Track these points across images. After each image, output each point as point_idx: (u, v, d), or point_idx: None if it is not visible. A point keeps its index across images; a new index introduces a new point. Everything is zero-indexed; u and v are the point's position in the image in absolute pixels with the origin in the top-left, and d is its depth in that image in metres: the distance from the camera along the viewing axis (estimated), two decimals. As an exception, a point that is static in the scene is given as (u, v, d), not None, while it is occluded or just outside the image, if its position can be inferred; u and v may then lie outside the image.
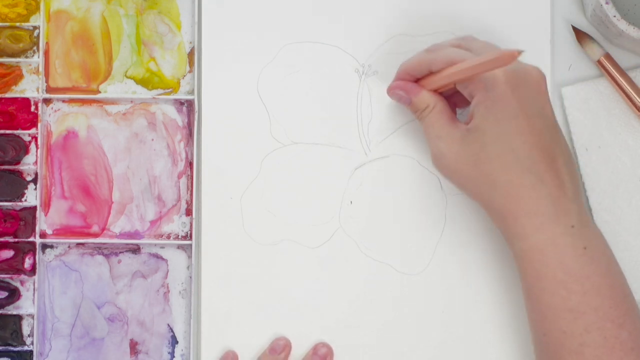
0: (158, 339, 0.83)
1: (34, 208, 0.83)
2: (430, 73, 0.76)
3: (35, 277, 0.82)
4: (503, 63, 0.70)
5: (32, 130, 0.83)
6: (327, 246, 0.82)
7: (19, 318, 0.83)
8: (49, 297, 0.83)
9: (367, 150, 0.83)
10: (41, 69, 0.84)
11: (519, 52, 0.69)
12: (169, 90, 0.84)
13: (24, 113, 0.83)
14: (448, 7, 0.82)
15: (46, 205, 0.83)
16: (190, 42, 0.84)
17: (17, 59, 0.84)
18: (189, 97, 0.83)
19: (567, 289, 0.71)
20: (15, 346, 0.82)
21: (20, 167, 0.83)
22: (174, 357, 0.83)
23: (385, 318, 0.82)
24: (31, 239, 0.83)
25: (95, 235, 0.83)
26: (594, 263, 0.71)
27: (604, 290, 0.71)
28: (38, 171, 0.83)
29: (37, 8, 0.84)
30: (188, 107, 0.84)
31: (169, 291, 0.83)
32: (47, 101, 0.84)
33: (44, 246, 0.83)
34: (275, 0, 0.83)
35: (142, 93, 0.84)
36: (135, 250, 0.83)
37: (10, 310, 0.83)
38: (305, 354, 0.81)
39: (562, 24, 0.83)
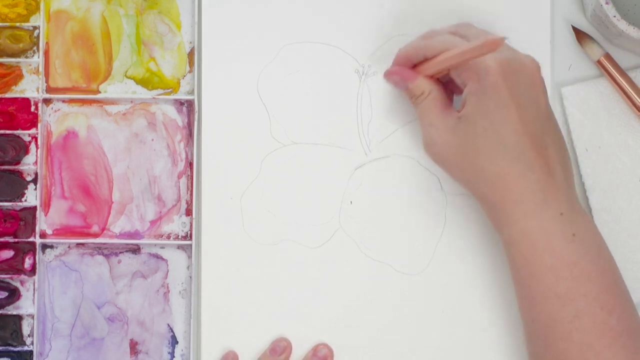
0: (158, 339, 0.83)
1: (34, 208, 0.83)
2: (425, 59, 0.77)
3: (35, 277, 0.82)
4: (489, 50, 0.71)
5: (32, 131, 0.83)
6: (327, 246, 0.82)
7: (19, 318, 0.83)
8: (49, 297, 0.83)
9: (367, 150, 0.83)
10: (41, 69, 0.84)
11: (503, 39, 0.69)
12: (169, 90, 0.84)
13: (24, 113, 0.83)
14: (448, 8, 0.82)
15: (46, 205, 0.83)
16: (190, 42, 0.84)
17: (17, 59, 0.84)
18: (189, 97, 0.83)
19: (555, 275, 0.71)
20: (15, 346, 0.82)
21: (20, 167, 0.83)
22: (174, 357, 0.83)
23: (385, 318, 0.82)
24: (31, 239, 0.83)
25: (95, 235, 0.83)
26: (583, 249, 0.72)
27: (593, 276, 0.71)
28: (38, 171, 0.83)
29: (37, 8, 0.84)
30: (188, 107, 0.84)
31: (169, 291, 0.83)
32: (47, 101, 0.84)
33: (44, 246, 0.83)
34: (276, 0, 0.83)
35: (142, 93, 0.84)
36: (135, 250, 0.83)
37: (10, 310, 0.83)
38: (305, 355, 0.81)
39: (562, 24, 0.83)
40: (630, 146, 0.82)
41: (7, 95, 0.83)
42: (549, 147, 0.73)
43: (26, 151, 0.83)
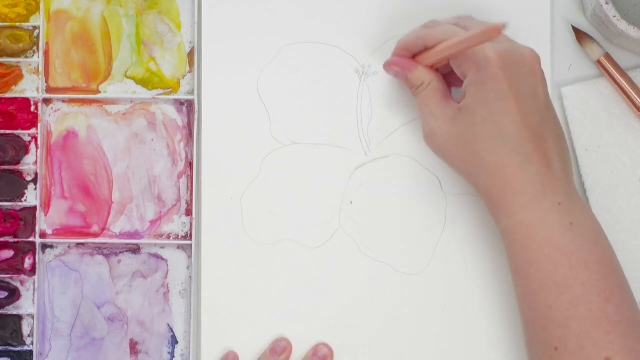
0: (158, 339, 0.83)
1: (34, 208, 0.83)
2: (425, 49, 0.77)
3: (35, 277, 0.82)
4: (489, 37, 0.70)
5: (32, 131, 0.83)
6: (327, 246, 0.82)
7: (19, 318, 0.83)
8: (49, 297, 0.83)
9: (367, 150, 0.83)
10: (41, 69, 0.84)
11: (504, 26, 0.69)
12: (169, 90, 0.84)
13: (24, 113, 0.83)
14: (448, 8, 0.82)
15: (46, 205, 0.83)
16: (190, 42, 0.84)
17: (17, 59, 0.84)
18: (189, 97, 0.83)
19: (553, 264, 0.71)
20: (15, 346, 0.82)
21: (20, 167, 0.83)
22: (174, 357, 0.83)
23: (385, 318, 0.82)
24: (31, 239, 0.83)
25: (95, 235, 0.83)
26: (581, 238, 0.72)
27: (590, 264, 0.71)
28: (38, 171, 0.83)
29: (37, 8, 0.84)
30: (188, 107, 0.84)
31: (169, 291, 0.83)
32: (47, 101, 0.84)
33: (44, 246, 0.83)
34: (276, 0, 0.83)
35: (142, 93, 0.84)
36: (135, 250, 0.83)
37: (10, 310, 0.83)
38: (305, 354, 0.81)
39: (562, 24, 0.83)
40: (630, 146, 0.82)
41: (7, 95, 0.83)
42: (548, 139, 0.73)
43: (26, 151, 0.83)
